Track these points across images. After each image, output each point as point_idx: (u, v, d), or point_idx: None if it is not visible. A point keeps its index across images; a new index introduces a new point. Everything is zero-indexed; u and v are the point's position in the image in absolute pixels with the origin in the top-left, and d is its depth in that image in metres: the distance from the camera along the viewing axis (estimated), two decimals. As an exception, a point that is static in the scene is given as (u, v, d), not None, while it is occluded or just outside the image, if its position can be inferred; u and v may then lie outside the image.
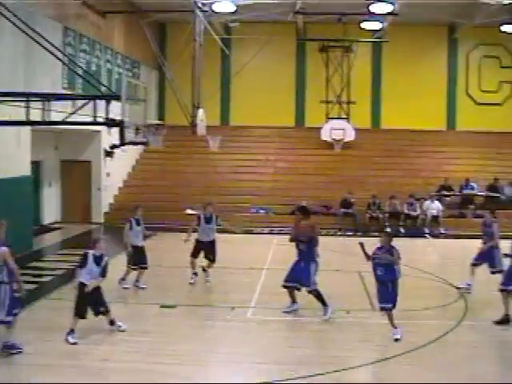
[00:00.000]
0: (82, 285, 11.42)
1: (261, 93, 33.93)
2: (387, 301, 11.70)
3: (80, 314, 11.41)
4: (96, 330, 11.78)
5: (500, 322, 12.59)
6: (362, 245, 11.91)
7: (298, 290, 13.33)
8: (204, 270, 16.37)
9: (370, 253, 11.89)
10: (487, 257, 15.11)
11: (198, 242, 16.26)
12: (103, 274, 11.70)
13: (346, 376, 9.99)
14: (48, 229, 25.65)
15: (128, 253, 15.35)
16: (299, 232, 13.15)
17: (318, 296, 13.00)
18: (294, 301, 13.49)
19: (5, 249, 10.63)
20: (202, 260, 16.35)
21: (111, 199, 29.26)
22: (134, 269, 15.46)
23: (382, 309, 11.85)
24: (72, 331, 11.24)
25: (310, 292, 13.07)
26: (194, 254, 16.26)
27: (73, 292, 11.61)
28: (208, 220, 16.20)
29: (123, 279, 15.38)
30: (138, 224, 15.45)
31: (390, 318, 11.73)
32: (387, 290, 11.68)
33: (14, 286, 10.63)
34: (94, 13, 26.28)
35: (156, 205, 26.97)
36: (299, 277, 13.08)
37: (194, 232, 16.26)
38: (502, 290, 12.72)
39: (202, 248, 16.23)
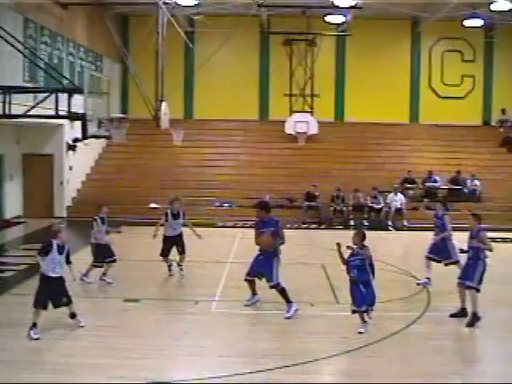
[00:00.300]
0: (48, 277, 11.27)
1: (224, 86, 33.92)
2: (360, 304, 11.54)
3: (41, 304, 11.22)
4: (59, 325, 11.66)
5: (455, 315, 12.61)
6: (338, 245, 11.59)
7: (260, 279, 13.21)
8: (178, 264, 16.38)
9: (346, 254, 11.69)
10: (440, 249, 15.16)
11: (165, 237, 16.21)
12: (68, 261, 11.60)
13: (311, 368, 10.02)
14: (10, 223, 25.35)
15: (93, 249, 15.36)
16: (260, 243, 13.08)
17: (283, 292, 12.82)
18: (254, 293, 13.47)
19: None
20: (174, 254, 16.38)
21: (74, 193, 29.01)
22: (101, 266, 15.41)
23: (355, 312, 11.68)
24: (34, 325, 11.08)
25: (272, 287, 12.89)
26: (164, 253, 16.23)
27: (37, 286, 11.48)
28: (175, 216, 16.18)
29: (85, 275, 15.24)
30: (103, 222, 15.39)
31: (361, 317, 11.69)
32: (361, 293, 11.49)
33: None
34: (55, 4, 25.95)
35: (119, 199, 26.85)
36: (262, 270, 12.97)
37: (161, 226, 16.23)
38: (459, 284, 12.77)
39: (171, 243, 16.20)
